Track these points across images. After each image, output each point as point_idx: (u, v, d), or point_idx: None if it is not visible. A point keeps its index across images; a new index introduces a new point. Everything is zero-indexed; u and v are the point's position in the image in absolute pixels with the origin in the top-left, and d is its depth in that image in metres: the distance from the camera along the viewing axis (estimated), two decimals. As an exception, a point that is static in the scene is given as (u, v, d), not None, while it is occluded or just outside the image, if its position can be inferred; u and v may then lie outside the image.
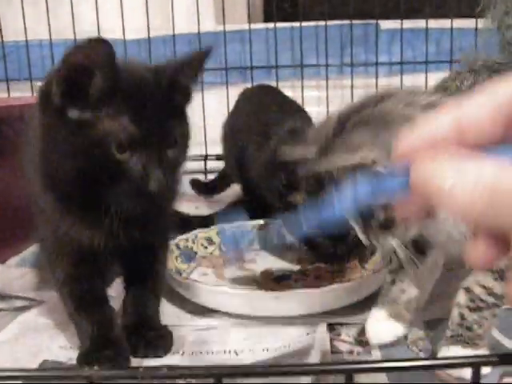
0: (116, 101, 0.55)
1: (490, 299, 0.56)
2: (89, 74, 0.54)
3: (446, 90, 0.76)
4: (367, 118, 0.61)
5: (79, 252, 0.63)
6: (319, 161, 0.61)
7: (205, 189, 1.26)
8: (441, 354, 0.57)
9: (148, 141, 0.56)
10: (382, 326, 0.65)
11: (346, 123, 0.62)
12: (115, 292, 0.74)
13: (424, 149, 0.30)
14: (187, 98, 0.65)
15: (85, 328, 0.63)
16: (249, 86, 1.44)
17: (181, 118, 0.63)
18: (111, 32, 1.48)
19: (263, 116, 0.96)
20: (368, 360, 0.60)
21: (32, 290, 0.83)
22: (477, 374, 0.30)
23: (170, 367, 0.41)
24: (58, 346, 0.66)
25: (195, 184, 1.26)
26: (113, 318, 0.64)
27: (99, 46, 0.55)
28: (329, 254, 0.77)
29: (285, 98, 1.08)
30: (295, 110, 1.02)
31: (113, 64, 0.55)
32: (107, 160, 0.55)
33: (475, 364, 0.30)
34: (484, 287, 0.56)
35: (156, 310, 0.68)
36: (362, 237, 0.64)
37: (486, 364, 0.31)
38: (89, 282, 0.65)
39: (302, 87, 1.47)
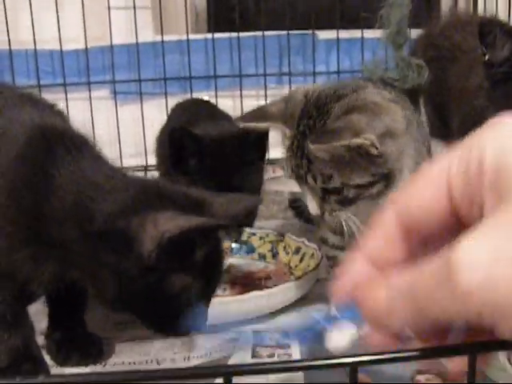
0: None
1: None
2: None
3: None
4: (357, 105, 0.65)
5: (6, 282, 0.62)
6: (310, 139, 0.63)
7: None
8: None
9: None
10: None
11: (324, 106, 0.66)
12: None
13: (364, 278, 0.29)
14: None
15: (4, 345, 0.62)
16: (188, 96, 1.45)
17: None
18: (48, 43, 1.47)
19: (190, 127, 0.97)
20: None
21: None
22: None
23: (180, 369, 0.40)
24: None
25: None
26: (31, 334, 0.64)
27: None
28: None
29: (215, 109, 1.09)
30: (223, 120, 1.03)
31: None
32: None
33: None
34: None
35: (82, 319, 0.69)
36: (314, 207, 0.66)
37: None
38: (10, 303, 0.63)
39: (241, 97, 1.48)
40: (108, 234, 0.54)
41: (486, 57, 0.84)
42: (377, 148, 0.63)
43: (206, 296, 0.58)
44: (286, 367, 0.33)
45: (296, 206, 1.12)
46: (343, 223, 0.68)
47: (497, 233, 0.24)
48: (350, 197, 0.66)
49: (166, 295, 0.54)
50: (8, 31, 1.42)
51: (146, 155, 1.45)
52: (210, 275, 0.57)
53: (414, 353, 0.29)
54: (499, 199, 0.25)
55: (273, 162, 1.06)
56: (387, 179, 0.66)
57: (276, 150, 1.40)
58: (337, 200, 0.67)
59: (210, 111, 1.05)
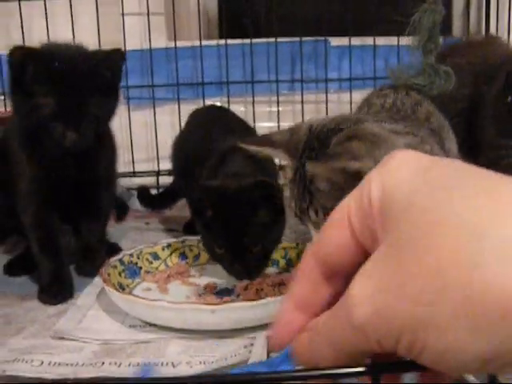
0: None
1: None
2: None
3: (371, 106, 0.79)
4: (357, 134, 0.65)
5: (43, 201, 0.86)
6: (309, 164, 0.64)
7: (154, 202, 1.27)
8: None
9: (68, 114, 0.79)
10: None
11: (326, 139, 0.67)
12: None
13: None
14: (111, 84, 0.86)
15: (45, 266, 0.85)
16: (200, 101, 1.46)
17: (103, 96, 0.83)
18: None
19: (209, 135, 0.98)
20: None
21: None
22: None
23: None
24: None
25: (143, 197, 1.26)
26: (64, 260, 0.87)
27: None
28: (233, 269, 0.80)
29: (233, 117, 1.10)
30: (242, 128, 1.04)
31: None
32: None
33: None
34: None
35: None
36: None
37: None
38: (49, 230, 0.88)
39: (254, 103, 1.49)
40: None
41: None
42: None
43: None
44: (304, 375, 0.33)
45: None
46: None
47: (379, 266, 0.26)
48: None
49: None
50: (23, 35, 1.44)
51: (157, 160, 1.46)
52: None
53: (315, 372, 0.29)
54: (384, 232, 0.27)
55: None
56: None
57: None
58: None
59: (230, 124, 1.04)
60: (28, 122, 0.81)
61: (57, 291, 0.84)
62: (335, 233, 0.29)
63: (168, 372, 0.63)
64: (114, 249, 1.04)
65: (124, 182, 1.37)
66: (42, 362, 0.65)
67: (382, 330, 0.25)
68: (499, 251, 0.23)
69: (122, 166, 1.47)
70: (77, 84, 0.79)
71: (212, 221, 0.80)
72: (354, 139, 0.65)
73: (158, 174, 1.44)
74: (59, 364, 0.65)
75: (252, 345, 0.67)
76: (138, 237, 1.14)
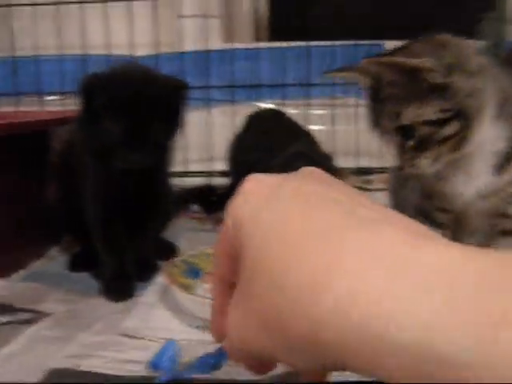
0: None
1: None
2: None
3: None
4: (425, 38, 0.65)
5: (109, 205, 0.91)
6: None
7: (212, 205, 1.27)
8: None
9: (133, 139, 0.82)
10: None
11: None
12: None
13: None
14: (174, 110, 0.88)
15: (109, 264, 0.89)
16: (255, 103, 1.47)
17: (166, 122, 0.86)
18: (120, 48, 1.50)
19: (270, 139, 0.98)
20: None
21: (37, 302, 0.84)
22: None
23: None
24: (65, 356, 0.67)
25: (201, 199, 1.27)
26: (127, 259, 0.90)
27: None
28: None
29: (292, 121, 1.10)
30: (302, 134, 1.04)
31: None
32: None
33: None
34: None
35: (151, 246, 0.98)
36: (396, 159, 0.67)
37: None
38: (114, 231, 0.92)
39: (309, 105, 1.48)
40: None
41: None
42: (438, 76, 0.61)
43: None
44: None
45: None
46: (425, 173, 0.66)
47: (239, 299, 0.32)
48: (422, 136, 0.63)
49: None
50: (83, 37, 1.47)
51: (211, 161, 1.47)
52: None
53: None
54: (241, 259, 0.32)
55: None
56: (463, 119, 0.62)
57: (339, 159, 1.39)
58: (413, 146, 0.65)
59: (291, 129, 1.05)
60: (96, 145, 0.85)
61: (120, 289, 0.87)
62: (221, 255, 0.36)
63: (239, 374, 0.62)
64: (171, 248, 1.05)
65: (177, 182, 1.39)
66: (113, 359, 0.66)
67: (245, 352, 0.32)
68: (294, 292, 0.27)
69: (176, 165, 1.49)
70: (142, 110, 0.82)
71: None
72: (421, 40, 0.63)
73: (211, 174, 1.45)
74: (129, 361, 0.65)
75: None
76: (194, 236, 1.15)
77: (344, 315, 0.25)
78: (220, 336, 0.36)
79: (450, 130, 0.62)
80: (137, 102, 0.82)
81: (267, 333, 0.29)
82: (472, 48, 0.67)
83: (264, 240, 0.29)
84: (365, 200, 0.30)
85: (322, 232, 0.27)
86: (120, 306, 0.82)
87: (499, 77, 0.68)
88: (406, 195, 0.81)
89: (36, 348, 0.69)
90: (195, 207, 1.28)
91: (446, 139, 0.63)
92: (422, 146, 0.63)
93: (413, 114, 0.62)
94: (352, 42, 1.49)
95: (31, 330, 0.75)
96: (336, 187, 0.32)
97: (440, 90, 0.61)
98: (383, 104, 0.65)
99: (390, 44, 1.55)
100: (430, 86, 0.61)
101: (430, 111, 0.61)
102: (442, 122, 0.62)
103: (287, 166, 0.87)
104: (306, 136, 1.03)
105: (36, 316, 0.79)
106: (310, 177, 0.33)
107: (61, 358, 0.66)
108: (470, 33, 1.08)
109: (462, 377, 0.22)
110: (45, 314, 0.80)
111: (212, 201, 1.29)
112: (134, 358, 0.66)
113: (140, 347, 0.69)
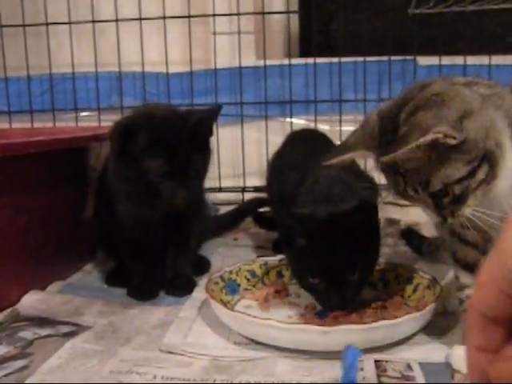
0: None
1: None
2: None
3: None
4: (420, 103, 0.63)
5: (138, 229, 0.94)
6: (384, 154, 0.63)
7: (269, 224, 1.26)
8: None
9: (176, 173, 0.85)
10: None
11: (396, 117, 0.64)
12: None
13: None
14: (205, 140, 0.91)
15: (134, 271, 0.96)
16: (288, 119, 1.47)
17: (201, 152, 0.89)
18: (154, 65, 1.52)
19: (307, 157, 0.97)
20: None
21: (76, 315, 0.85)
22: None
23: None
24: (109, 371, 0.67)
25: (257, 219, 1.29)
26: (152, 267, 0.96)
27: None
28: (328, 300, 0.78)
29: (328, 141, 1.10)
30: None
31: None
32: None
33: None
34: None
35: (187, 264, 0.99)
36: (435, 216, 0.65)
37: None
38: (140, 247, 0.96)
39: (341, 121, 1.48)
40: None
41: None
42: (454, 137, 0.59)
43: None
44: None
45: (408, 235, 1.11)
46: (472, 219, 0.64)
47: None
48: (458, 193, 0.63)
49: None
50: (119, 55, 1.49)
51: (244, 177, 1.47)
52: None
53: None
54: None
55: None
56: (489, 159, 0.62)
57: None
58: (449, 201, 0.64)
59: (326, 149, 1.03)
60: (137, 186, 0.87)
61: (145, 290, 0.93)
62: (487, 294, 0.34)
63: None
64: (205, 264, 1.06)
65: (211, 198, 1.39)
66: (155, 376, 0.66)
67: None
68: None
69: (209, 181, 1.50)
70: (182, 144, 0.85)
71: (306, 249, 0.77)
72: (419, 110, 0.62)
73: (243, 190, 1.46)
74: (172, 378, 0.66)
75: (362, 369, 0.66)
76: (228, 252, 1.15)
77: None
78: (476, 373, 0.35)
79: (481, 175, 0.62)
80: (176, 139, 0.85)
81: None
82: (462, 83, 0.66)
83: None
84: None
85: None
86: (159, 320, 0.83)
87: (499, 93, 0.67)
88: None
89: (77, 362, 0.70)
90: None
91: (480, 183, 0.63)
92: (460, 198, 0.63)
93: (442, 178, 0.62)
94: (385, 58, 1.49)
95: (71, 343, 0.75)
96: None
97: (460, 146, 0.60)
98: (405, 176, 0.64)
99: (423, 59, 1.56)
100: (448, 147, 0.61)
101: (459, 169, 0.61)
102: (472, 172, 0.62)
103: (313, 186, 0.85)
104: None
105: (76, 329, 0.80)
106: None
107: (104, 374, 0.67)
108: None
109: None
110: (84, 327, 0.81)
111: (268, 219, 1.26)
112: (177, 375, 0.66)
113: (182, 364, 0.69)
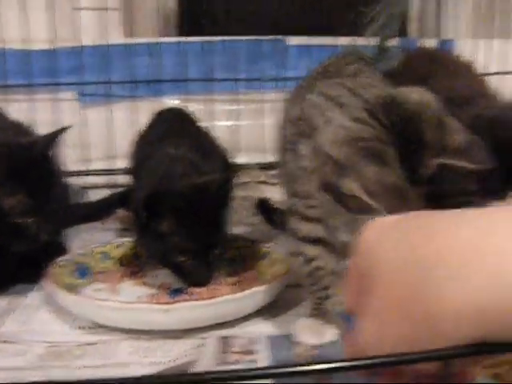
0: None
1: None
2: None
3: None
4: None
5: None
6: None
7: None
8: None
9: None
10: (314, 330, 0.67)
11: None
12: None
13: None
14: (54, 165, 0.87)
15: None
16: (159, 99, 1.44)
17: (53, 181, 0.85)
18: (15, 42, 1.43)
19: (164, 136, 0.94)
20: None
21: None
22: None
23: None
24: None
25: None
26: None
27: None
28: (196, 276, 0.78)
29: (190, 119, 1.07)
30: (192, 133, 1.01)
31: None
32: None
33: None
34: None
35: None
36: None
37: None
38: None
39: (212, 101, 1.47)
40: None
41: None
42: None
43: None
44: (254, 374, 0.33)
45: (265, 210, 1.12)
46: None
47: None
48: None
49: None
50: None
51: (114, 158, 1.42)
52: None
53: (386, 359, 0.29)
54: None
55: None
56: None
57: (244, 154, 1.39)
58: None
59: (193, 133, 1.01)
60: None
61: None
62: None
63: (119, 373, 0.61)
64: (60, 248, 1.00)
65: (78, 181, 1.34)
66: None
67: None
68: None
69: (76, 164, 1.44)
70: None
71: (171, 228, 0.77)
72: None
73: (113, 172, 1.41)
74: (7, 368, 0.62)
75: (203, 345, 0.65)
76: (90, 237, 1.11)
77: None
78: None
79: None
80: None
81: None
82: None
83: None
84: None
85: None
86: (1, 308, 0.78)
87: None
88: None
89: None
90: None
91: None
92: None
93: None
94: (255, 38, 1.49)
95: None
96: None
97: None
98: None
99: (292, 40, 1.58)
100: None
101: None
102: None
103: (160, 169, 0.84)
104: (199, 134, 1.00)
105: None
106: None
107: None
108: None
109: None
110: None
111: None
112: (8, 366, 0.63)
113: (17, 353, 0.65)
